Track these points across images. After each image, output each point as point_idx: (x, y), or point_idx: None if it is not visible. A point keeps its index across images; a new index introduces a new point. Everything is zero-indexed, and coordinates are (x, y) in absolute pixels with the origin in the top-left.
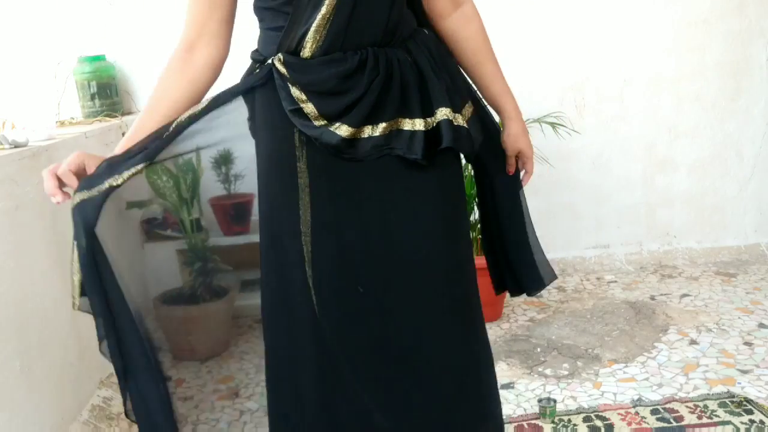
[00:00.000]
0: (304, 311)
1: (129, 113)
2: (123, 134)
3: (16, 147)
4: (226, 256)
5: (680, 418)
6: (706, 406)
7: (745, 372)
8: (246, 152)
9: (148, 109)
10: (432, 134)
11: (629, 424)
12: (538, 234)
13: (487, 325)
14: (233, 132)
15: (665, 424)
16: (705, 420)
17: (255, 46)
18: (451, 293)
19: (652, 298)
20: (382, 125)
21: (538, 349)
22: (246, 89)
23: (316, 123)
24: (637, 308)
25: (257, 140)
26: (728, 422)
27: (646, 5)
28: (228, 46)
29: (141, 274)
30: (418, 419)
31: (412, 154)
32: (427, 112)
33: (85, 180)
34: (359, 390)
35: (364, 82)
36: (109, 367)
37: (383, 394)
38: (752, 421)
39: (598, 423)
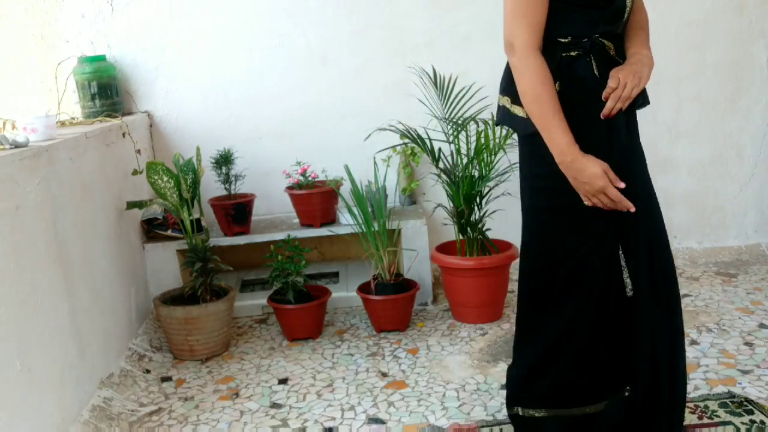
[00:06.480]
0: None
1: (129, 113)
2: (123, 135)
3: (16, 147)
4: (226, 256)
5: None
6: (706, 407)
7: (745, 372)
8: None
9: (555, 105)
10: None
11: None
12: None
13: (488, 325)
14: None
15: None
16: (705, 420)
17: None
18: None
19: None
20: None
21: None
22: None
23: None
24: None
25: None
26: (729, 422)
27: (646, 5)
28: None
29: (141, 274)
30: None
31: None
32: None
33: None
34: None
35: None
36: (109, 367)
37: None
38: (753, 422)
39: None
